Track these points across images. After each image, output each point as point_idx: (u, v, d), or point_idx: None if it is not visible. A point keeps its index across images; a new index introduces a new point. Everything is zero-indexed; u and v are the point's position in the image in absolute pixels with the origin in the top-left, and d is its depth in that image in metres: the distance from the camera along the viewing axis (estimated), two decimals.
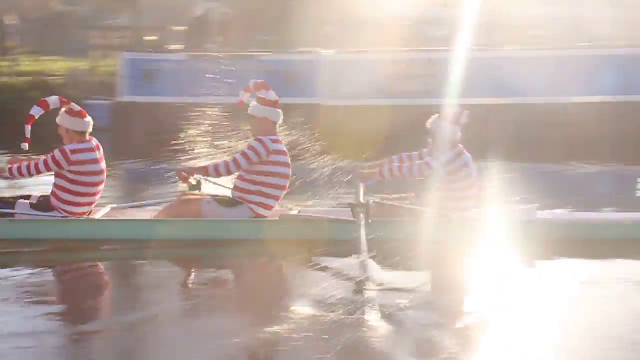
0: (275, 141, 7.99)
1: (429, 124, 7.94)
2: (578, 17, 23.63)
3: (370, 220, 7.52)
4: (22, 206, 7.93)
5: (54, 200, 7.89)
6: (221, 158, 8.55)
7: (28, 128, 7.93)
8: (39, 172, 7.89)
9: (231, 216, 7.97)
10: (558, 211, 8.76)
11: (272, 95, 8.08)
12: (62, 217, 7.88)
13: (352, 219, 7.65)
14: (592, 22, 21.87)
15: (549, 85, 16.46)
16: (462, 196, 7.91)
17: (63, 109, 7.92)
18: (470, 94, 13.73)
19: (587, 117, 14.98)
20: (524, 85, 16.33)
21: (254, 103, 8.11)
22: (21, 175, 7.92)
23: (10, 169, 7.89)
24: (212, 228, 7.95)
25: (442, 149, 7.79)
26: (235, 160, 7.90)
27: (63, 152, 7.78)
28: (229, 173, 8.00)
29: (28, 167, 7.86)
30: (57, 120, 7.94)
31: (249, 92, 8.19)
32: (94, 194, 8.00)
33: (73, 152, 7.80)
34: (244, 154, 7.87)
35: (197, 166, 8.30)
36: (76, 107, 7.95)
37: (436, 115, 7.99)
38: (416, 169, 7.91)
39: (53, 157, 7.79)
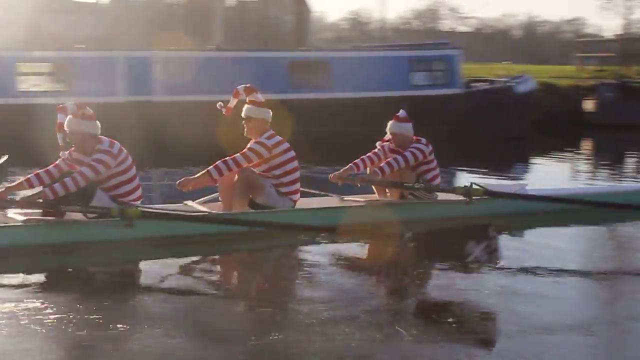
0: (271, 136, 8.60)
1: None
2: None
3: None
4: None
5: (113, 197, 7.88)
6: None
7: (60, 136, 8.07)
8: (87, 181, 7.70)
9: (280, 205, 8.56)
10: None
11: (260, 97, 8.72)
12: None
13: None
14: None
15: None
16: None
17: (70, 115, 7.89)
18: None
19: None
20: None
21: (247, 106, 8.67)
22: (67, 191, 7.61)
23: (52, 189, 7.58)
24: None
25: None
26: (234, 159, 8.41)
27: (106, 152, 7.80)
28: (229, 170, 8.42)
29: (74, 180, 7.65)
30: (70, 126, 7.87)
31: (237, 98, 8.77)
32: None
33: (111, 146, 7.87)
34: (244, 155, 8.46)
35: (198, 175, 8.41)
36: (90, 111, 7.99)
37: None
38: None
39: (99, 161, 7.74)
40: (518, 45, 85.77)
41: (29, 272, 6.94)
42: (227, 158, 8.42)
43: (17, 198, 7.83)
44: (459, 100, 24.20)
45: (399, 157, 9.11)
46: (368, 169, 9.31)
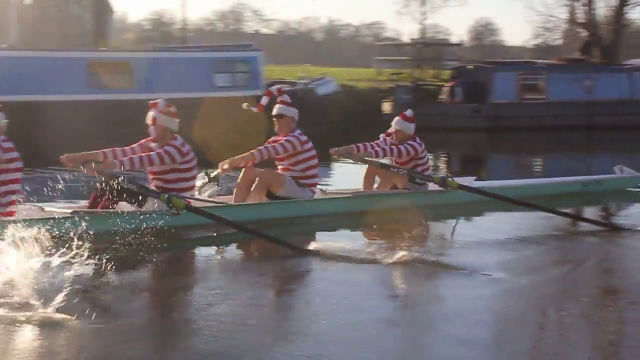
0: (301, 133, 9.96)
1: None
2: None
3: None
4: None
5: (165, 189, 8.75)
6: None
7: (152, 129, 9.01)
8: (151, 165, 8.77)
9: (301, 196, 9.75)
10: None
11: (288, 98, 10.18)
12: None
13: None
14: None
15: None
16: None
17: (158, 111, 8.90)
18: None
19: None
20: None
21: (279, 105, 10.05)
22: (132, 167, 8.70)
23: (121, 162, 8.58)
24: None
25: None
26: (274, 147, 9.72)
27: (176, 148, 8.81)
28: (269, 156, 9.75)
29: (141, 160, 8.68)
30: (158, 120, 8.87)
31: (269, 97, 10.33)
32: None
33: (182, 145, 8.87)
34: (282, 145, 9.74)
35: (242, 156, 9.59)
36: (174, 109, 9.06)
37: None
38: None
39: (167, 153, 8.74)
40: (320, 47, 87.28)
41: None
42: (267, 145, 9.73)
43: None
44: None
45: (394, 148, 10.46)
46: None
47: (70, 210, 8.66)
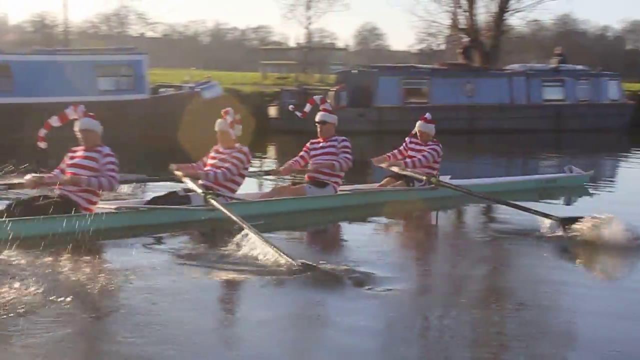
0: (345, 138, 11.47)
1: None
2: None
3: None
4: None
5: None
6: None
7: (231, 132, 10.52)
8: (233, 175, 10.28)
9: (324, 194, 11.11)
10: None
11: (329, 106, 11.63)
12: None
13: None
14: None
15: None
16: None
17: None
18: None
19: None
20: None
21: (322, 113, 11.44)
22: (217, 179, 10.15)
23: (215, 175, 10.16)
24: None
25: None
26: (346, 159, 11.16)
27: (249, 154, 10.47)
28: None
29: (228, 171, 10.21)
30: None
31: (312, 105, 11.70)
32: None
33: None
34: (349, 152, 11.24)
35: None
36: (239, 117, 10.55)
37: None
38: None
39: (247, 157, 10.42)
40: (206, 51, 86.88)
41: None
42: (347, 156, 11.16)
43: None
44: (145, 105, 24.12)
45: (422, 158, 11.97)
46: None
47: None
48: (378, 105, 28.30)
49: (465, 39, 39.79)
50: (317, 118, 11.37)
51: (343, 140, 11.30)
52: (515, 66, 33.16)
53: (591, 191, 13.87)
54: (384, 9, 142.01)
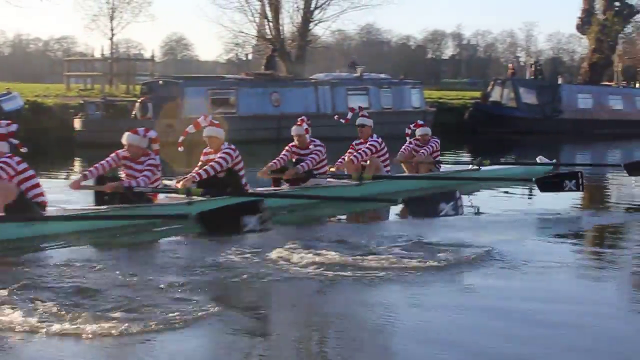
0: (379, 137, 14.12)
1: None
2: None
3: None
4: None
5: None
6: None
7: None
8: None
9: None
10: None
11: (366, 113, 14.72)
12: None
13: None
14: None
15: None
16: None
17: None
18: None
19: None
20: None
21: (361, 118, 14.31)
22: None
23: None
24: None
25: None
26: (368, 149, 13.84)
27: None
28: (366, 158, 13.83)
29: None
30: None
31: (352, 112, 14.70)
32: None
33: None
34: (370, 147, 13.86)
35: (347, 161, 13.77)
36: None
37: None
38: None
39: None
40: (7, 62, 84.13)
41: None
42: (366, 149, 13.79)
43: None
44: None
45: (428, 148, 15.12)
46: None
47: None
48: (185, 117, 28.08)
49: (271, 49, 40.24)
50: (357, 122, 14.23)
51: (376, 139, 13.98)
52: (320, 75, 33.80)
53: None
54: (190, 19, 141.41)
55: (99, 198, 10.79)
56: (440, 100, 38.76)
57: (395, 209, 12.43)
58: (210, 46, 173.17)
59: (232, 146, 11.62)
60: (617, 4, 47.10)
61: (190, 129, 11.67)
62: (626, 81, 46.18)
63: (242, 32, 44.86)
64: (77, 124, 27.63)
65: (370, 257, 8.46)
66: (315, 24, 43.98)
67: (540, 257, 8.97)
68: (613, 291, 8.05)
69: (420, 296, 7.36)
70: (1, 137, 9.86)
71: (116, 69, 44.39)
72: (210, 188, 11.18)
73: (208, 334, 6.30)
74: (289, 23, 43.69)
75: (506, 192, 14.75)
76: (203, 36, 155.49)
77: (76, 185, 10.82)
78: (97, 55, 51.65)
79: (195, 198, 10.92)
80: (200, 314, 6.50)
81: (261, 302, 7.46)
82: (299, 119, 13.60)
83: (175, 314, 6.42)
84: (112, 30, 51.13)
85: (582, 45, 69.08)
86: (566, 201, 13.42)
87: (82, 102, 29.32)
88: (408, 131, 15.68)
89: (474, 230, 10.46)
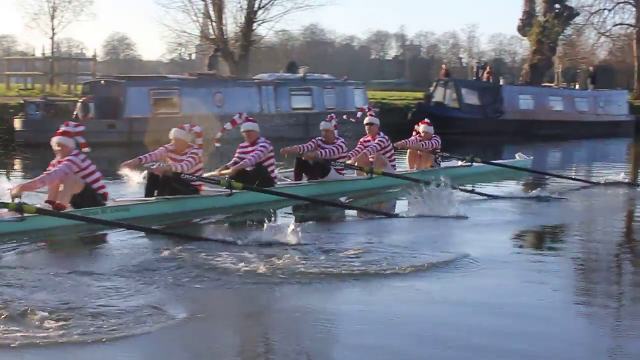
0: (384, 135, 15.49)
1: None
2: None
3: None
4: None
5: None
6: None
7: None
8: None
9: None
10: None
11: (374, 113, 16.05)
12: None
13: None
14: None
15: None
16: None
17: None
18: None
19: None
20: None
21: (370, 117, 15.61)
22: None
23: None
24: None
25: None
26: (377, 144, 15.12)
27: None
28: (373, 153, 15.07)
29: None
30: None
31: (362, 112, 16.23)
32: None
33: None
34: (379, 142, 15.13)
35: (362, 154, 14.95)
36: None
37: None
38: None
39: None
40: None
41: None
42: (374, 145, 15.02)
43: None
44: None
45: (430, 142, 16.51)
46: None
47: None
48: (127, 116, 27.89)
49: (214, 49, 40.06)
50: (365, 121, 15.51)
51: (383, 136, 15.25)
52: (264, 75, 33.73)
53: None
54: (133, 18, 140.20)
55: (150, 190, 12.08)
56: (384, 101, 38.89)
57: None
58: (153, 46, 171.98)
59: (268, 140, 13.10)
60: (557, 6, 47.80)
61: (228, 126, 13.22)
62: (566, 82, 46.75)
63: (185, 32, 44.59)
64: (18, 123, 27.32)
65: (323, 258, 8.65)
66: (259, 24, 43.91)
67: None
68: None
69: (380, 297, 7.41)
70: (69, 134, 11.17)
71: (57, 69, 43.91)
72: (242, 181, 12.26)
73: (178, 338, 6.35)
74: (232, 23, 43.59)
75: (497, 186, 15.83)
76: (146, 36, 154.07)
77: (131, 165, 12.18)
78: (38, 54, 51.01)
79: (236, 190, 12.05)
80: (170, 322, 6.57)
81: (245, 307, 7.49)
82: (328, 115, 15.15)
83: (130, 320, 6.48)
84: (53, 29, 50.62)
85: (523, 47, 69.83)
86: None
87: (22, 101, 28.93)
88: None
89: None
